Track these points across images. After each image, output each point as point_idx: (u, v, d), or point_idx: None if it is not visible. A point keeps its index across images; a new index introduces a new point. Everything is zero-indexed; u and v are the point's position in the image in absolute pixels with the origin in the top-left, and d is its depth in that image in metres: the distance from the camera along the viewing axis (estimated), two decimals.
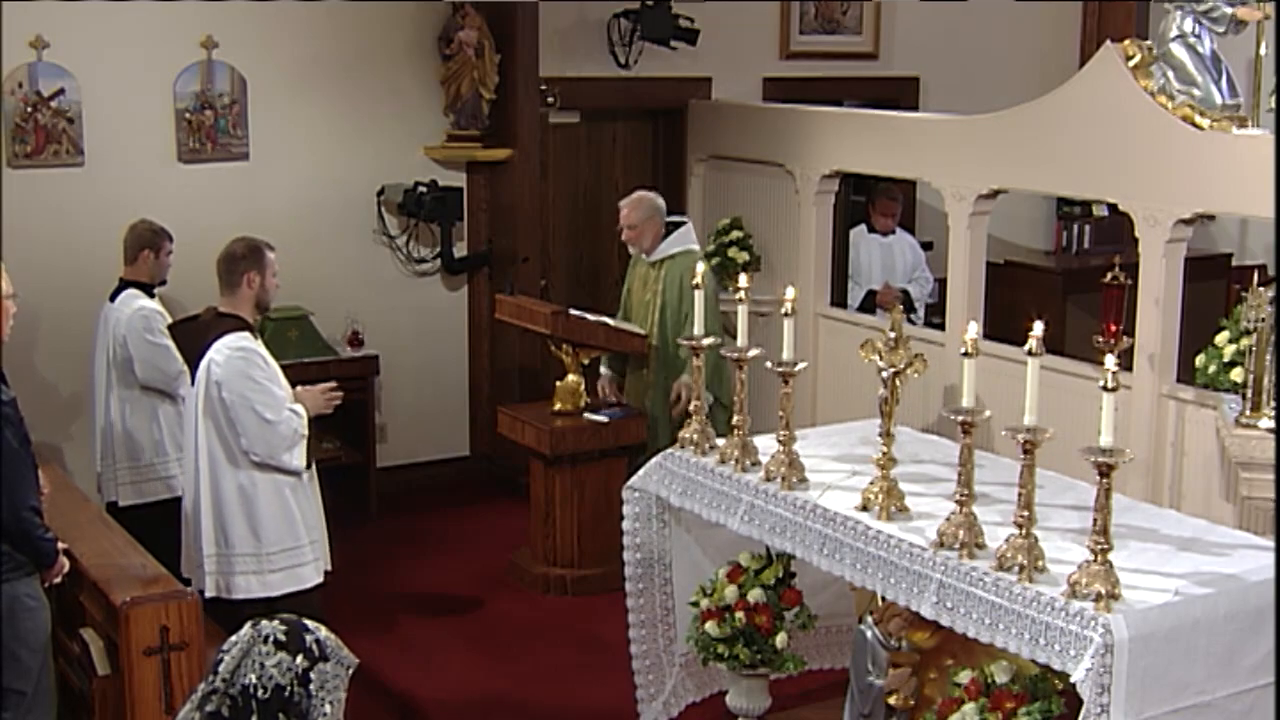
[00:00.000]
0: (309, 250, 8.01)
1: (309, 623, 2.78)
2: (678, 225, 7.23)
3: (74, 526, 5.24)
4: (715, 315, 6.75)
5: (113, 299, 6.54)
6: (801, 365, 4.73)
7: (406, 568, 7.42)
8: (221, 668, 2.67)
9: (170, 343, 6.44)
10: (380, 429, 8.33)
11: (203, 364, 5.33)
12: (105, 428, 6.53)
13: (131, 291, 6.51)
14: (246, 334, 5.38)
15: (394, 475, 8.37)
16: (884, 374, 4.36)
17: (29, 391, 7.00)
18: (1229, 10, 6.17)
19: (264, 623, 2.73)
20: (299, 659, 2.68)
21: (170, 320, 6.55)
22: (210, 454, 5.32)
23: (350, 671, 2.77)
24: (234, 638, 2.72)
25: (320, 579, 5.52)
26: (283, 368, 7.46)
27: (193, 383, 5.41)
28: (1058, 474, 4.64)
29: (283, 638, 2.69)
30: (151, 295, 6.58)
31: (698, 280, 5.07)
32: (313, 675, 2.68)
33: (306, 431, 5.36)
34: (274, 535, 5.33)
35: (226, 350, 5.29)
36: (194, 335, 5.50)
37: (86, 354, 6.74)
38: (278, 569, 5.34)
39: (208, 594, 5.29)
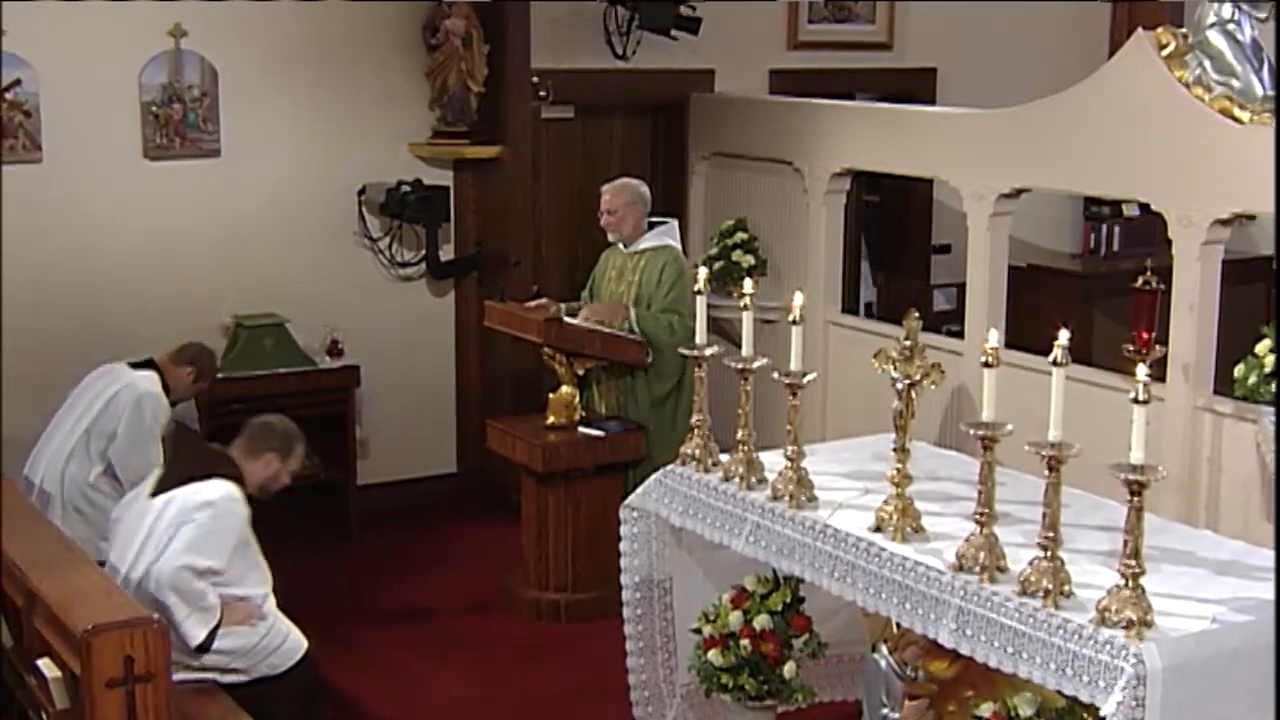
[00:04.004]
0: (285, 253, 8.00)
1: None
2: (661, 223, 7.44)
3: (30, 548, 5.20)
4: (687, 297, 6.98)
5: (135, 367, 6.51)
6: (810, 376, 4.75)
7: (389, 592, 7.40)
8: None
9: (159, 445, 6.37)
10: (361, 444, 8.31)
11: (189, 488, 5.20)
12: (54, 475, 6.36)
13: (156, 376, 6.50)
14: (242, 496, 5.25)
15: (376, 494, 8.34)
16: (898, 385, 4.37)
17: None
18: None
19: None
20: None
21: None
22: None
23: None
24: None
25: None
26: (257, 379, 7.56)
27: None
28: (1085, 492, 4.65)
29: None
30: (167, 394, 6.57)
31: (699, 286, 5.05)
32: None
33: (217, 619, 5.10)
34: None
35: (224, 490, 5.17)
36: (196, 453, 5.41)
37: (44, 353, 6.70)
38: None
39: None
